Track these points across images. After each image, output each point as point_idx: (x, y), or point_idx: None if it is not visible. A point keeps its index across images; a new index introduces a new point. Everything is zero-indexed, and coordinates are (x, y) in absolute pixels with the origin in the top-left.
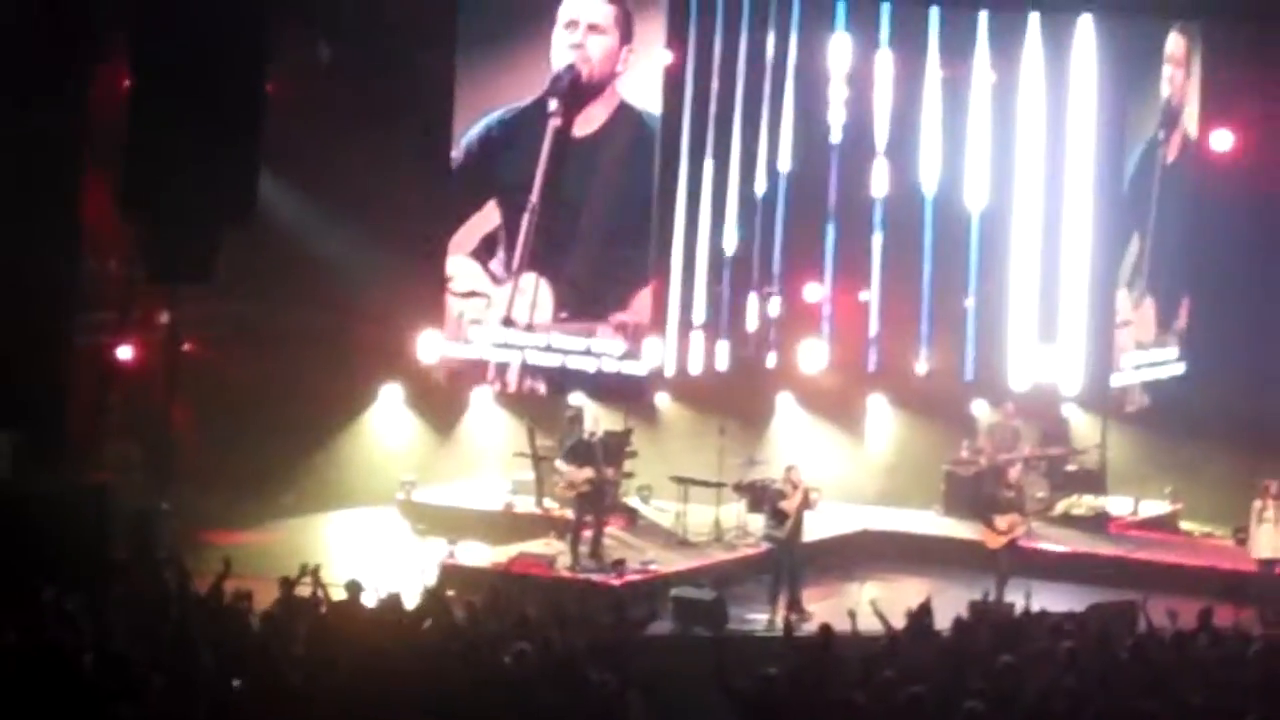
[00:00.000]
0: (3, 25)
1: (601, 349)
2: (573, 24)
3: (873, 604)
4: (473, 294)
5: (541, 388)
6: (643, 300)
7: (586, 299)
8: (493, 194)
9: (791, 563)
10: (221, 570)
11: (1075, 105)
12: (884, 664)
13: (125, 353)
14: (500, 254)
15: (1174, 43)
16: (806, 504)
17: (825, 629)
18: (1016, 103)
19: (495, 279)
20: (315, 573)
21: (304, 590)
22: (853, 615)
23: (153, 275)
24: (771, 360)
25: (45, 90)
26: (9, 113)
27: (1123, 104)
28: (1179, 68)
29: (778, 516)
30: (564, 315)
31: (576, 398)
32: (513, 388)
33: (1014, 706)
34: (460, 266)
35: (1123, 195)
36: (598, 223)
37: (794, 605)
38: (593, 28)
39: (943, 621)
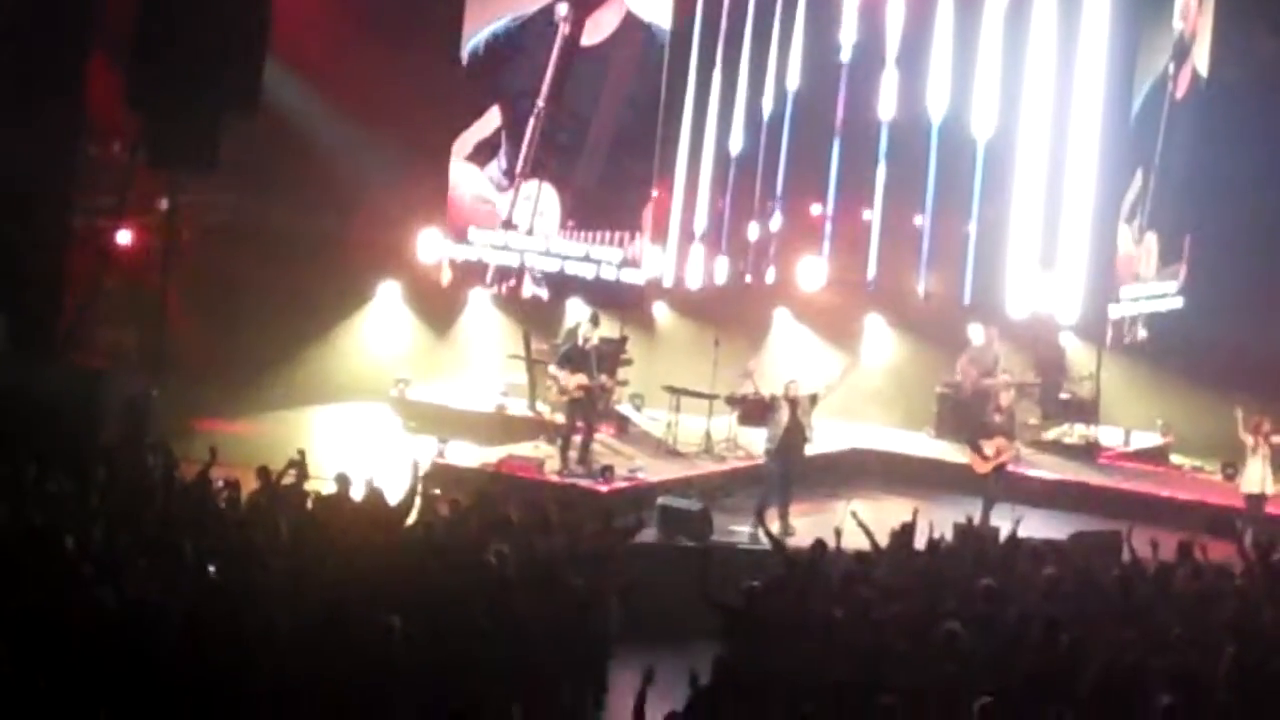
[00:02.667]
0: None
1: (601, 256)
2: None
3: (854, 514)
4: (474, 197)
5: (540, 293)
6: (646, 211)
7: (594, 209)
8: (495, 99)
9: (783, 477)
10: (208, 458)
11: (1087, 35)
12: (864, 581)
13: (123, 237)
14: (501, 159)
15: None
16: (797, 415)
17: (818, 543)
18: (1028, 30)
19: (496, 184)
20: (301, 463)
21: (289, 480)
22: (838, 533)
23: (154, 160)
24: (770, 276)
25: None
26: None
27: (1134, 36)
28: (1193, 2)
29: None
30: (571, 224)
31: (579, 307)
32: (510, 292)
33: (992, 630)
34: (461, 170)
35: (1130, 128)
36: (605, 132)
37: (782, 521)
38: None
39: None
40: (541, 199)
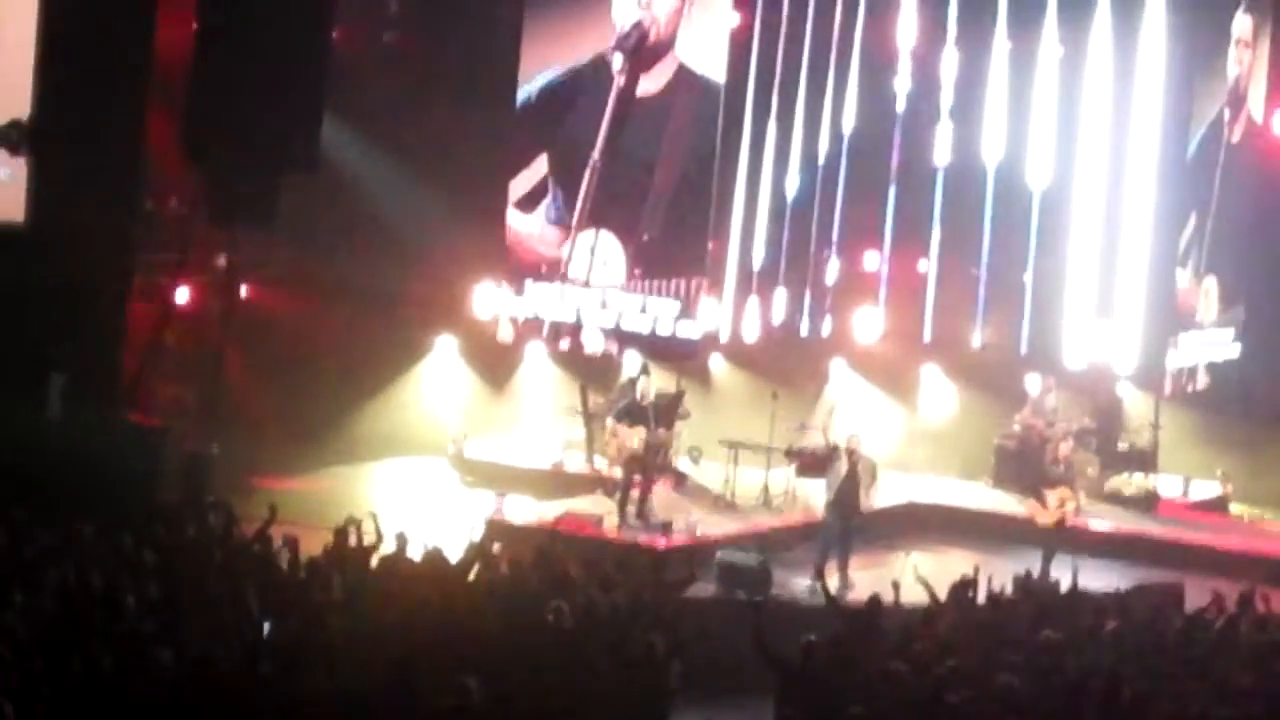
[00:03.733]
0: None
1: (657, 309)
2: None
3: (916, 570)
4: (531, 247)
5: (597, 347)
6: (705, 261)
7: (658, 258)
8: (544, 148)
9: (842, 531)
10: (268, 516)
11: (1141, 81)
12: (924, 635)
13: (182, 294)
14: (551, 209)
15: (1242, 22)
16: (857, 470)
17: (874, 599)
18: (1083, 77)
19: (547, 233)
20: (368, 522)
21: (354, 539)
22: (896, 586)
23: (213, 217)
24: (827, 327)
25: (112, 28)
26: (76, 49)
27: (1189, 82)
28: (1247, 48)
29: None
30: (638, 272)
31: (634, 358)
32: (568, 346)
33: (1053, 684)
34: (518, 219)
35: (1185, 174)
36: (668, 182)
37: (841, 574)
38: None
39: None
40: (602, 249)
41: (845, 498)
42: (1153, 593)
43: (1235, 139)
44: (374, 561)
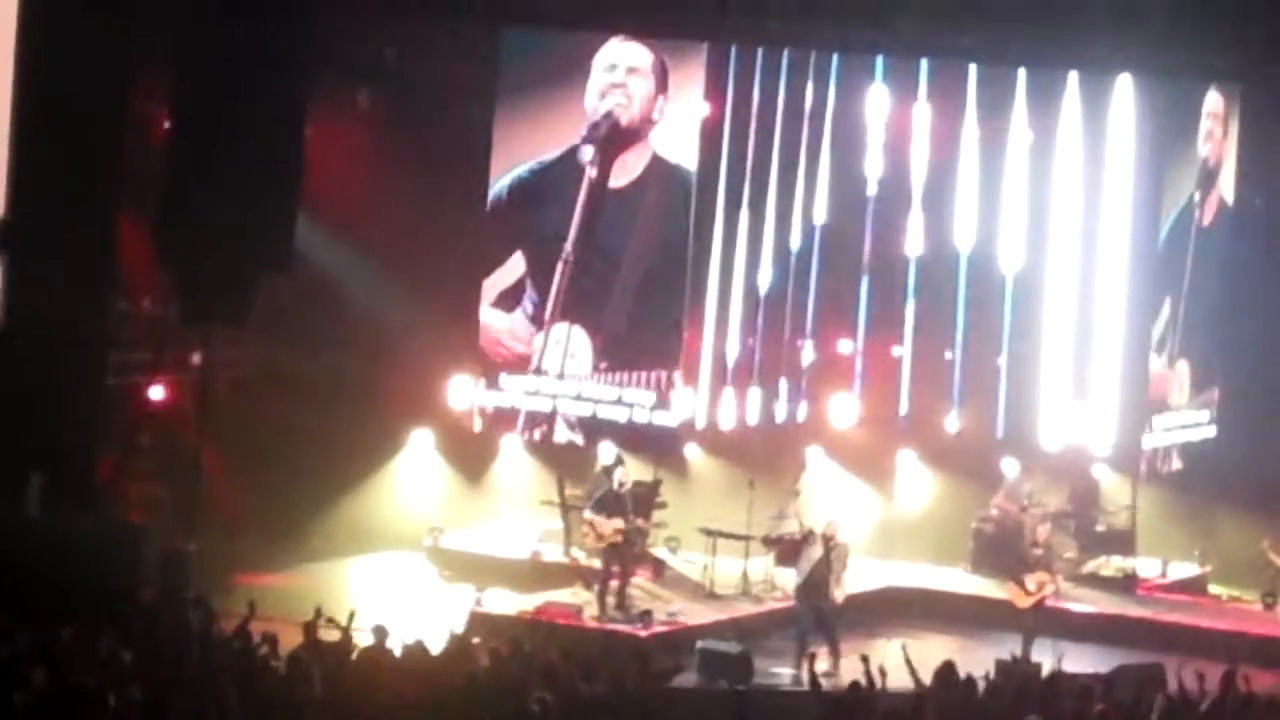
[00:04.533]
0: (50, 63)
1: (632, 399)
2: (612, 67)
3: (905, 651)
4: (504, 342)
5: (573, 438)
6: (677, 352)
7: (626, 350)
8: (520, 244)
9: (815, 617)
10: (247, 612)
11: (1112, 164)
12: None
13: (157, 393)
14: (528, 304)
15: (1212, 102)
16: (830, 557)
17: (855, 685)
18: (1053, 161)
19: (524, 329)
20: (347, 619)
21: (329, 634)
22: (883, 671)
23: (186, 317)
24: (803, 414)
25: (82, 129)
26: (49, 149)
27: (1159, 164)
28: (1217, 126)
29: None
30: (604, 365)
31: (608, 449)
32: (542, 437)
33: None
34: (490, 315)
35: (1157, 256)
36: (634, 273)
37: (833, 659)
38: (632, 70)
39: None
40: (572, 341)
41: (816, 583)
42: (1135, 674)
43: (1207, 222)
44: (353, 655)
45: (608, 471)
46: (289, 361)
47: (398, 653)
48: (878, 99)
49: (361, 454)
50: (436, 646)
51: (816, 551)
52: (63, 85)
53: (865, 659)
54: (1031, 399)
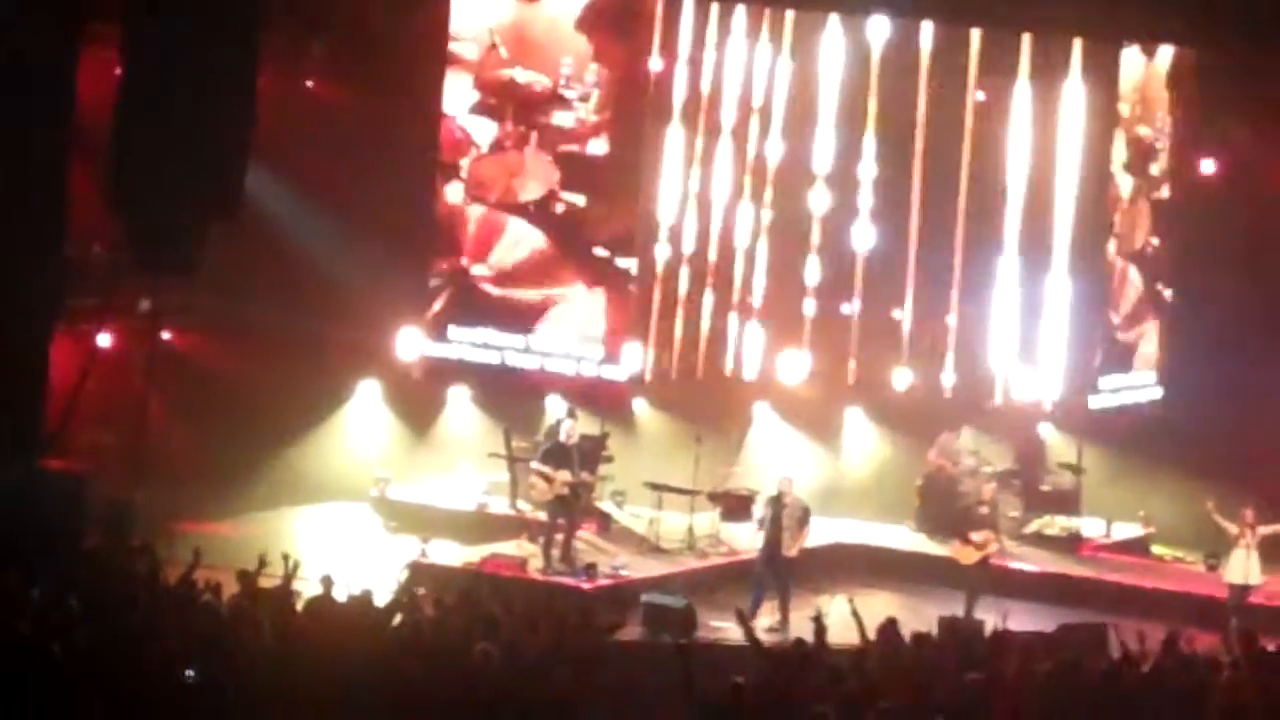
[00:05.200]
0: None
1: (581, 352)
2: None
3: (851, 604)
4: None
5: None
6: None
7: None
8: None
9: (772, 574)
10: (192, 560)
11: (1064, 126)
12: (852, 675)
13: (104, 340)
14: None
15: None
16: (783, 514)
17: (799, 641)
18: (1006, 121)
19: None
20: (285, 566)
21: (270, 582)
22: (820, 623)
23: (136, 263)
24: (751, 371)
25: (32, 73)
26: None
27: (1107, 129)
28: (1163, 92)
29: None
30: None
31: (557, 402)
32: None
33: None
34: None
35: (1106, 218)
36: None
37: (782, 616)
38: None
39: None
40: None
41: (772, 540)
42: (1077, 633)
43: (1161, 191)
44: (299, 604)
45: (557, 425)
46: (238, 311)
47: (343, 602)
48: (831, 59)
49: (309, 404)
50: (382, 597)
51: (771, 507)
52: (12, 31)
53: (817, 618)
54: (980, 357)
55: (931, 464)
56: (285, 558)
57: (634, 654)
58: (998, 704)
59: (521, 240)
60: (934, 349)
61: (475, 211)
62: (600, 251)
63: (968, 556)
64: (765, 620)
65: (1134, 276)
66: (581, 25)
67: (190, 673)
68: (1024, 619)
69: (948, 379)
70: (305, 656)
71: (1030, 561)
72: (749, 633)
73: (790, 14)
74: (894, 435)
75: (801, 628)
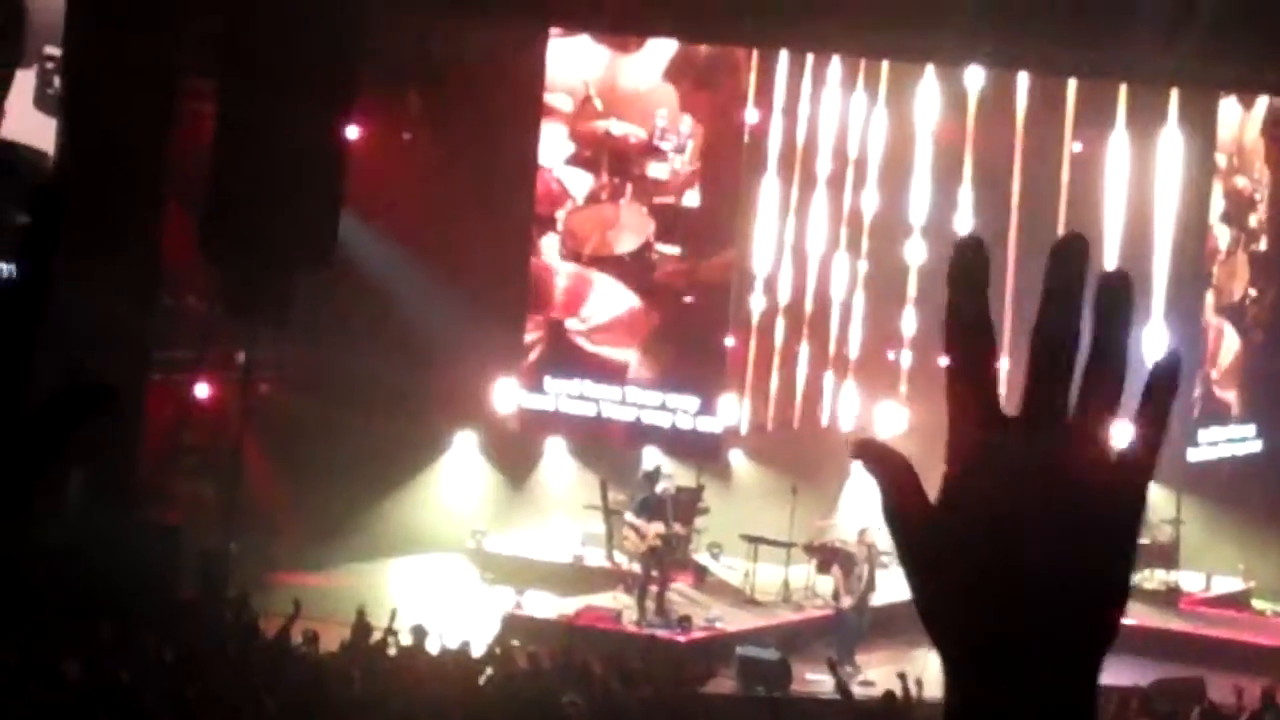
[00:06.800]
0: (90, 60)
1: (677, 404)
2: None
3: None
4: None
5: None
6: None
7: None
8: None
9: (858, 625)
10: (292, 612)
11: (1160, 178)
12: None
13: (201, 391)
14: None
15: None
16: (874, 566)
17: (889, 694)
18: (1103, 171)
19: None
20: (389, 619)
21: (374, 635)
22: (919, 683)
23: (230, 313)
24: (848, 423)
25: (129, 127)
26: (93, 145)
27: (1204, 181)
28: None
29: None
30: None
31: (652, 454)
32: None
33: None
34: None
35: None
36: None
37: (846, 660)
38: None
39: None
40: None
41: (863, 593)
42: (1174, 687)
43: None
44: (392, 655)
45: (650, 476)
46: (334, 362)
47: (436, 653)
48: (927, 109)
49: (405, 455)
50: (476, 649)
51: (862, 564)
52: (110, 82)
53: (903, 675)
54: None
55: None
56: (392, 614)
57: (728, 707)
58: None
59: (612, 296)
60: None
61: (567, 268)
62: (692, 302)
63: None
64: (862, 674)
65: (1230, 330)
66: (670, 77)
67: None
68: (1121, 673)
69: None
70: (395, 708)
71: (1129, 615)
72: (841, 685)
73: (885, 64)
74: None
75: (884, 682)
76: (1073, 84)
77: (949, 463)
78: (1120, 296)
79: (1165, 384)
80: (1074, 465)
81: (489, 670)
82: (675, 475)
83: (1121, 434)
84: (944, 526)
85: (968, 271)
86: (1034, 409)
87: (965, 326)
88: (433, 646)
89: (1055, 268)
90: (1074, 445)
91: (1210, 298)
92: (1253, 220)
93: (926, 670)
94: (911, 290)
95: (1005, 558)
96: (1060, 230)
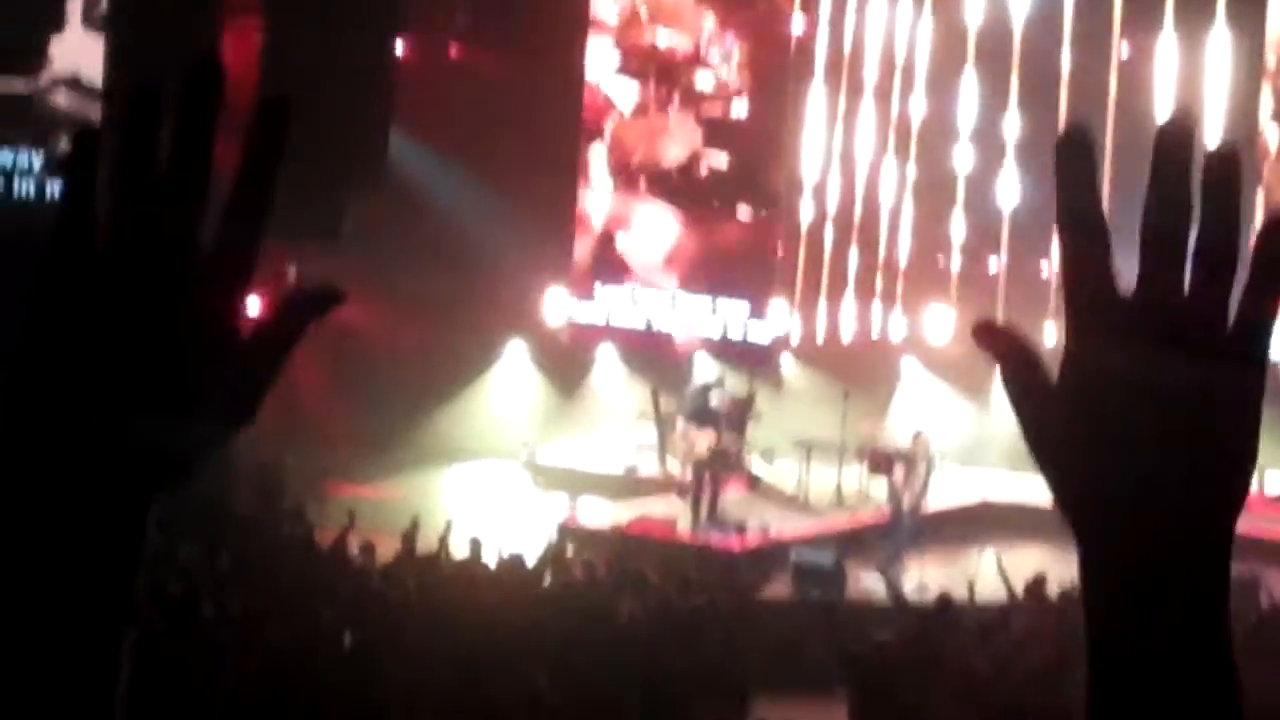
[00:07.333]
0: None
1: (727, 310)
2: None
3: (999, 561)
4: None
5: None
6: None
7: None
8: None
9: (912, 528)
10: (347, 523)
11: (1210, 80)
12: (999, 634)
13: (253, 306)
14: None
15: None
16: (930, 469)
17: (944, 597)
18: (1151, 75)
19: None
20: (444, 531)
21: (426, 545)
22: (970, 586)
23: (280, 232)
24: (898, 328)
25: (176, 42)
26: (140, 62)
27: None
28: None
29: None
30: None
31: (703, 362)
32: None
33: None
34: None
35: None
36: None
37: (897, 562)
38: None
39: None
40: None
41: (918, 494)
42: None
43: None
44: (448, 568)
45: (706, 387)
46: (385, 275)
47: (493, 566)
48: (974, 13)
49: (456, 365)
50: (531, 558)
51: (914, 468)
52: (158, 9)
53: (971, 584)
54: None
55: None
56: (447, 526)
57: (783, 612)
58: None
59: (660, 215)
60: None
61: (608, 184)
62: (745, 212)
63: None
64: (913, 576)
65: None
66: None
67: (347, 636)
68: None
69: None
70: (452, 620)
71: None
72: (894, 589)
73: None
74: None
75: (938, 583)
76: None
77: (1068, 345)
78: (1230, 169)
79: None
80: (1193, 339)
81: (545, 580)
82: (727, 382)
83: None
84: (1068, 407)
85: (1077, 159)
86: (1149, 289)
87: (1077, 214)
88: (488, 557)
89: (1162, 148)
90: (1192, 319)
91: (1260, 198)
92: None
93: (979, 572)
94: (960, 195)
95: (1130, 433)
96: (1111, 135)
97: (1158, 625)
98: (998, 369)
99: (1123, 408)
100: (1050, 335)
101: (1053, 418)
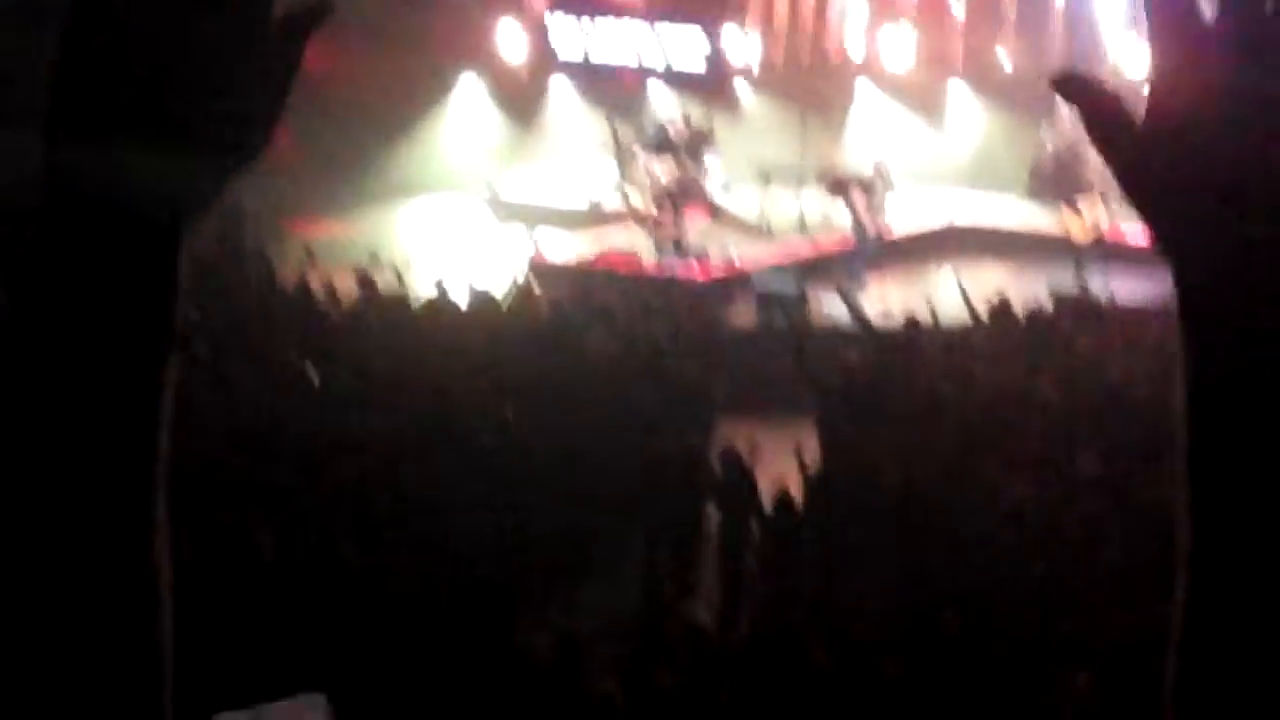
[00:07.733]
0: None
1: (682, 38)
2: None
3: (957, 278)
4: None
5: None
6: None
7: None
8: None
9: (874, 250)
10: (306, 262)
11: None
12: (965, 352)
13: None
14: None
15: None
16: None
17: (910, 318)
18: None
19: None
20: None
21: (384, 282)
22: (929, 303)
23: None
24: (857, 51)
25: None
26: None
27: None
28: None
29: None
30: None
31: (658, 90)
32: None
33: (1094, 392)
34: None
35: None
36: None
37: (858, 280)
38: None
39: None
40: None
41: (873, 221)
42: None
43: None
44: (416, 307)
45: (660, 118)
46: (336, 6)
47: (463, 306)
48: None
49: (409, 99)
50: (496, 295)
51: (870, 194)
52: None
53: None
54: (1091, 29)
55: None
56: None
57: (748, 337)
58: (1111, 372)
59: None
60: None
61: None
62: None
63: (1077, 225)
64: (874, 300)
65: None
66: None
67: (312, 373)
68: (1140, 289)
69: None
70: (420, 353)
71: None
72: (857, 313)
73: None
74: (999, 111)
75: (900, 303)
76: None
77: (1153, 80)
78: None
79: None
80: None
81: (511, 315)
82: (683, 111)
83: None
84: (1157, 143)
85: None
86: (1234, 8)
87: None
88: (454, 295)
89: None
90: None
91: None
92: None
93: (936, 292)
94: None
95: (1223, 158)
96: None
97: (1264, 363)
98: (1063, 104)
99: (1210, 137)
100: (1007, 55)
101: (1144, 159)
